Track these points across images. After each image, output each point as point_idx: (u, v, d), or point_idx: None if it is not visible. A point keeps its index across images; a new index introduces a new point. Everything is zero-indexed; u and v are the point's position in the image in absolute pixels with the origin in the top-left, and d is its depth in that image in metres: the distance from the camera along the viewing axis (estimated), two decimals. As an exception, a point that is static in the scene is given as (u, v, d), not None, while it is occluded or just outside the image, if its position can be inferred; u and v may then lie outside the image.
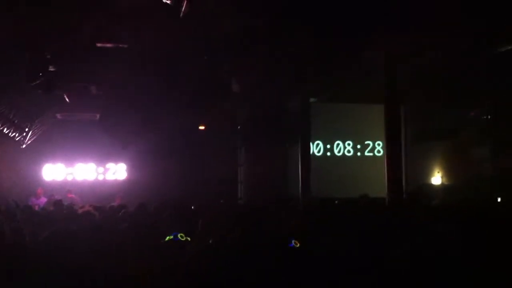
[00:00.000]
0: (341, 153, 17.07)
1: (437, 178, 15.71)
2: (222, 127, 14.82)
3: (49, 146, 15.31)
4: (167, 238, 4.58)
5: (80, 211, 8.11)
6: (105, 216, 7.53)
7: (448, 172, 15.30)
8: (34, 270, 3.27)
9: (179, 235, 4.63)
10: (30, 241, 4.88)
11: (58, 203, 10.46)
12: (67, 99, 12.31)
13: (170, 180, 14.49)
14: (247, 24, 9.94)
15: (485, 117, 12.92)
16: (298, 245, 4.44)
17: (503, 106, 12.20)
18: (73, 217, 7.50)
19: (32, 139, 14.88)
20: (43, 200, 13.43)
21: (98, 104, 13.25)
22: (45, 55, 10.23)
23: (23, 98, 12.34)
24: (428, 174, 15.84)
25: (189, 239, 4.69)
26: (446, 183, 15.39)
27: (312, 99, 14.92)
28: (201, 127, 15.29)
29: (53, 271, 3.22)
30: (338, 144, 17.03)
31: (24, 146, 14.90)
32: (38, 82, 10.19)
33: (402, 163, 14.27)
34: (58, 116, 13.85)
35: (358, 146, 17.23)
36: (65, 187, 14.86)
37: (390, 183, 13.64)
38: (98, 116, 13.91)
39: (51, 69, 10.64)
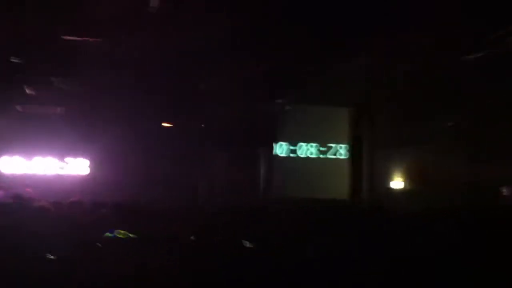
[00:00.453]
0: (304, 155, 17.16)
1: (399, 183, 15.96)
2: (188, 125, 14.70)
3: (8, 138, 14.87)
4: (106, 234, 4.55)
5: (35, 205, 7.87)
6: (61, 212, 7.33)
7: (411, 178, 15.54)
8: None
9: (116, 232, 4.59)
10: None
11: (17, 197, 10.05)
12: (30, 92, 12.00)
13: (134, 177, 14.28)
14: (220, 26, 9.90)
15: (452, 124, 13.15)
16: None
17: (473, 114, 12.42)
18: (28, 212, 7.29)
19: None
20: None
21: (62, 99, 12.95)
22: (9, 46, 9.95)
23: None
24: (391, 179, 16.07)
25: (131, 235, 4.65)
26: (408, 189, 15.63)
27: (278, 100, 14.96)
28: (167, 125, 15.13)
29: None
30: (301, 146, 17.10)
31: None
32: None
33: (365, 168, 14.52)
34: (19, 108, 13.46)
35: (322, 149, 17.34)
36: (24, 181, 14.44)
37: (353, 187, 13.87)
38: (61, 110, 13.60)
39: (14, 60, 10.36)
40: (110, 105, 13.84)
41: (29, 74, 11.65)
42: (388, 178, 15.90)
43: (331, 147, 17.29)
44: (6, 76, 11.53)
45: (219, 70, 12.35)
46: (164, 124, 15.27)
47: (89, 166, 15.62)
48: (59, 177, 15.51)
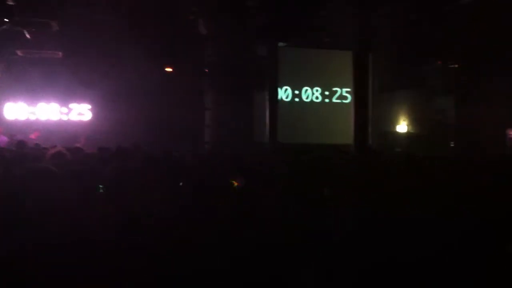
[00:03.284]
0: (309, 99, 17.02)
1: (402, 127, 15.86)
2: (189, 69, 14.54)
3: (10, 84, 14.83)
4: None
5: (52, 151, 7.83)
6: (79, 158, 7.29)
7: (413, 120, 15.45)
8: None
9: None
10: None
11: (21, 144, 9.99)
12: (27, 36, 11.87)
13: (135, 122, 14.27)
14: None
15: (450, 66, 13.01)
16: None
17: (467, 57, 12.26)
18: (40, 157, 7.27)
19: (-8, 76, 14.41)
20: (3, 139, 13.07)
21: (60, 42, 12.81)
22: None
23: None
24: (394, 122, 15.98)
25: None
26: (411, 131, 15.57)
27: (280, 44, 14.70)
28: (168, 69, 14.96)
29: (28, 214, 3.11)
30: (306, 90, 16.95)
31: (-17, 83, 14.43)
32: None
33: (369, 111, 14.38)
34: (19, 52, 13.35)
35: (326, 93, 17.19)
36: (30, 127, 14.46)
37: (356, 130, 13.76)
38: (60, 54, 13.47)
39: (9, 3, 10.19)
40: (112, 49, 13.70)
41: (27, 16, 11.47)
42: (392, 121, 15.83)
43: (336, 91, 17.13)
44: (4, 20, 11.37)
45: (219, 13, 12.13)
46: (166, 69, 15.13)
47: (91, 111, 15.61)
48: (63, 123, 15.55)
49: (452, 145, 13.29)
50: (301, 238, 3.45)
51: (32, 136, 13.47)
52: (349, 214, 3.80)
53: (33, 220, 3.02)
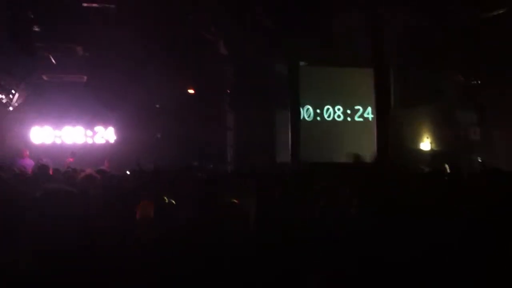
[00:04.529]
0: (331, 118, 16.98)
1: (426, 144, 15.70)
2: (211, 90, 14.67)
3: (36, 109, 15.12)
4: None
5: (82, 174, 8.00)
6: (107, 179, 7.41)
7: (436, 137, 15.29)
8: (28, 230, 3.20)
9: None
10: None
11: (42, 167, 10.13)
12: (53, 61, 12.14)
13: (158, 143, 14.41)
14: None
15: (473, 82, 12.89)
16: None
17: (489, 71, 12.14)
18: (71, 181, 7.39)
19: (19, 101, 14.70)
20: (28, 161, 13.29)
21: (85, 66, 13.06)
22: (28, 15, 10.03)
23: (8, 60, 12.13)
24: (417, 139, 15.83)
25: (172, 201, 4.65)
26: (435, 148, 15.39)
27: (302, 63, 14.75)
28: (190, 91, 15.11)
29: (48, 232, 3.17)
30: (328, 109, 16.92)
31: (11, 108, 14.72)
32: (21, 43, 10.00)
33: (391, 129, 14.29)
34: (45, 77, 13.64)
35: (348, 111, 17.13)
36: (66, 151, 14.67)
37: (379, 148, 13.67)
38: (85, 78, 13.72)
39: (36, 29, 10.45)
40: (135, 72, 13.90)
41: (52, 42, 11.75)
42: (415, 139, 15.69)
43: (358, 109, 17.07)
44: (30, 46, 11.65)
45: (238, 33, 12.25)
46: (188, 91, 15.29)
47: (115, 134, 15.80)
48: (87, 146, 15.76)
49: (480, 161, 13.09)
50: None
51: (71, 159, 13.73)
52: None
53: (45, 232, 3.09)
